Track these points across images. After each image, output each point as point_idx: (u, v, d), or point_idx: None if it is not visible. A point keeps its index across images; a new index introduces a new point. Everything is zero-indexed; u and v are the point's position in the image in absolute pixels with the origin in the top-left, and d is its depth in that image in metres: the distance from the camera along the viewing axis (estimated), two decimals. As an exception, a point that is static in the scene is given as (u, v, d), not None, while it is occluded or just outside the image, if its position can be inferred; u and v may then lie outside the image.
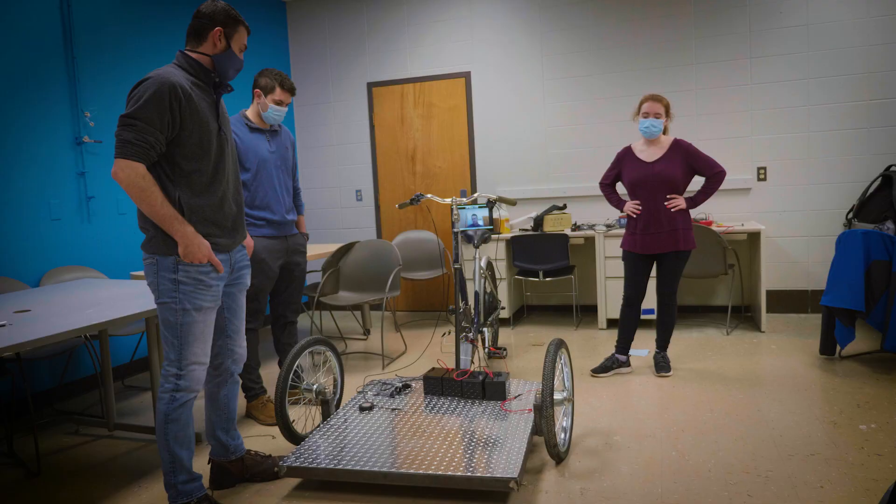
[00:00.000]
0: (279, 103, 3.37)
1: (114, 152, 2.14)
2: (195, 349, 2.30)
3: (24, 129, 3.79)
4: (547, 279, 5.11)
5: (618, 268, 4.92)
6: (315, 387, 3.03)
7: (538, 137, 5.73)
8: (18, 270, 3.74)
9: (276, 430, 3.30)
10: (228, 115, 2.54)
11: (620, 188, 4.36)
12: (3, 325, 2.43)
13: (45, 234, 3.90)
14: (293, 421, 2.94)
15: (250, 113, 3.41)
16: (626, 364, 3.95)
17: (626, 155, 3.84)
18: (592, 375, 3.90)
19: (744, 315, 5.29)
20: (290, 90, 3.41)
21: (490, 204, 3.68)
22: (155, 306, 2.74)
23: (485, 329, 3.96)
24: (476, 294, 3.83)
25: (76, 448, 3.23)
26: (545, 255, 5.04)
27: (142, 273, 4.15)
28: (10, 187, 3.71)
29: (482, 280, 3.97)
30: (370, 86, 6.14)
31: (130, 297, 3.02)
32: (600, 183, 3.98)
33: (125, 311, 2.66)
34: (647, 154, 3.75)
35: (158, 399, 2.31)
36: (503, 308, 5.13)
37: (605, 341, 4.69)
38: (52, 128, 3.96)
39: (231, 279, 2.47)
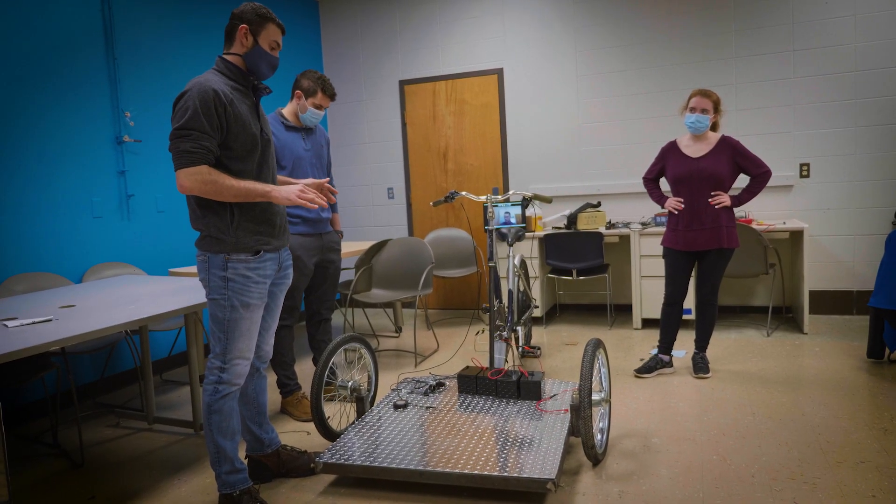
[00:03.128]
0: (318, 107, 3.39)
1: (174, 166, 2.19)
2: (240, 344, 2.35)
3: (67, 129, 3.87)
4: (580, 278, 5.05)
5: (653, 267, 4.84)
6: (350, 384, 3.03)
7: (572, 134, 5.67)
8: (62, 266, 3.82)
9: (311, 426, 3.32)
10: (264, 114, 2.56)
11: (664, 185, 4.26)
12: (49, 320, 2.48)
13: (88, 232, 3.98)
14: (328, 417, 2.95)
15: (287, 112, 3.44)
16: (669, 364, 3.88)
17: (671, 149, 3.76)
18: (636, 376, 3.83)
19: (785, 316, 5.15)
20: (331, 96, 3.42)
21: (524, 202, 3.64)
22: (193, 302, 2.79)
23: (518, 328, 3.92)
24: (510, 292, 3.80)
25: (117, 440, 3.29)
26: (579, 253, 4.98)
27: (179, 269, 4.21)
28: (54, 186, 3.79)
29: (516, 278, 3.94)
30: (402, 83, 6.14)
31: (169, 293, 3.06)
32: (643, 178, 3.92)
33: (165, 308, 2.69)
34: (693, 150, 3.67)
35: (203, 391, 2.37)
36: (536, 307, 5.09)
37: (641, 341, 4.61)
38: (94, 128, 4.04)
39: (276, 278, 2.50)
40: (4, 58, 3.55)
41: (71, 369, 3.70)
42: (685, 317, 4.44)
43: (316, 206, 2.30)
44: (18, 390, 3.56)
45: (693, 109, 3.60)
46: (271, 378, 3.71)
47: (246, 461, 2.68)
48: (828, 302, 5.10)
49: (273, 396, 3.61)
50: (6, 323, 2.45)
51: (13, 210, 3.58)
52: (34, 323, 2.44)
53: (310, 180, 2.56)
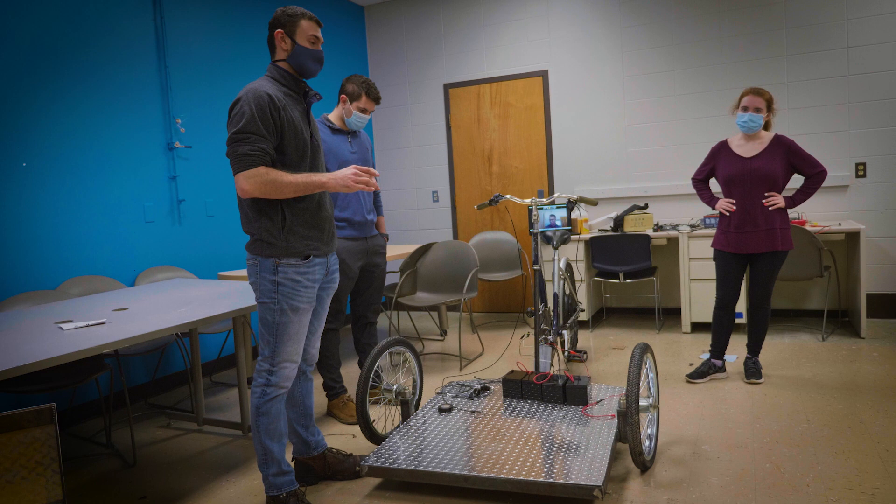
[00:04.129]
0: (363, 111, 3.42)
1: (232, 170, 2.23)
2: (288, 348, 2.38)
3: (120, 136, 4.00)
4: (627, 281, 4.97)
5: (703, 269, 4.72)
6: (395, 387, 3.04)
7: (618, 136, 5.58)
8: (116, 270, 3.95)
9: (356, 429, 3.35)
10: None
11: (713, 186, 4.15)
12: (102, 323, 2.56)
13: (140, 236, 4.10)
14: (373, 420, 2.97)
15: (333, 116, 3.48)
16: (722, 369, 3.78)
17: (722, 149, 3.66)
18: (688, 382, 3.74)
19: (841, 320, 4.96)
20: (376, 99, 3.45)
21: (570, 204, 3.60)
22: (242, 306, 2.84)
23: (564, 331, 3.88)
24: (555, 296, 3.76)
25: (168, 441, 3.37)
26: (626, 256, 4.90)
27: (228, 273, 4.30)
28: (108, 191, 3.92)
29: (561, 281, 3.89)
30: (447, 87, 6.16)
31: (218, 296, 3.12)
32: (693, 178, 3.83)
33: (214, 311, 2.75)
34: (745, 149, 3.57)
35: (251, 393, 2.39)
36: (582, 310, 5.02)
37: (689, 345, 4.51)
38: (147, 135, 4.16)
39: (324, 282, 2.53)
40: (62, 69, 3.68)
41: (123, 371, 3.81)
42: (737, 320, 4.31)
43: (371, 189, 2.33)
44: (73, 391, 3.68)
45: (745, 108, 3.50)
46: (317, 381, 3.75)
47: (293, 463, 2.71)
48: (886, 305, 4.89)
49: (319, 399, 3.64)
50: (62, 325, 2.54)
51: (70, 215, 3.71)
52: (88, 326, 2.52)
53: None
